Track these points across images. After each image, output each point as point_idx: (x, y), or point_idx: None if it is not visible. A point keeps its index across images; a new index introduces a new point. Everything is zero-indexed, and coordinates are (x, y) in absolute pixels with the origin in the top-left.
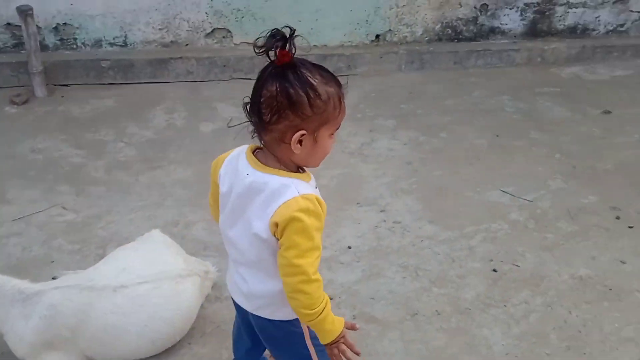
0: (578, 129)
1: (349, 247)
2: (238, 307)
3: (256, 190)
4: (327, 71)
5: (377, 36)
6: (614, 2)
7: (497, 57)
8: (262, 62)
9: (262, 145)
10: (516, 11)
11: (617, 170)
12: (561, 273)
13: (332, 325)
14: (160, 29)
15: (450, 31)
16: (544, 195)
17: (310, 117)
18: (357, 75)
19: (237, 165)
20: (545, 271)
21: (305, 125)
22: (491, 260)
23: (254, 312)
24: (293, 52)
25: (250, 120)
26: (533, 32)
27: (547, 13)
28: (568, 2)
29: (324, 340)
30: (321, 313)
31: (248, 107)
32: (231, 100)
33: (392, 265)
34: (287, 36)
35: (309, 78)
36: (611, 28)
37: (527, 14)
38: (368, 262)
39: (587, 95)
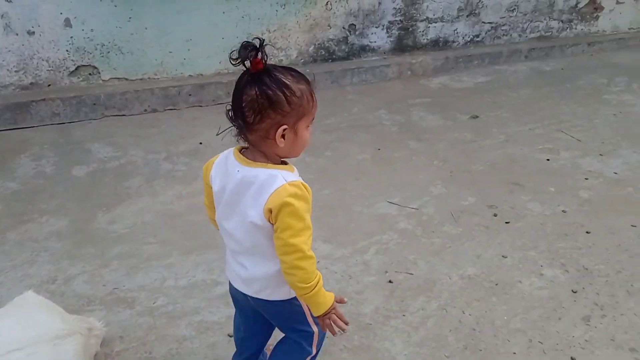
0: (451, 135)
1: None
2: (236, 300)
3: (247, 183)
4: (296, 71)
5: None
6: (467, 15)
7: (371, 73)
8: (137, 97)
9: (247, 145)
10: (382, 29)
11: (489, 170)
12: (451, 275)
13: (324, 298)
14: (16, 71)
15: (323, 52)
16: (428, 201)
17: (289, 113)
18: None
19: (227, 165)
20: (437, 275)
21: (285, 120)
22: (386, 272)
23: (255, 296)
24: (265, 59)
25: (233, 125)
26: (400, 47)
27: (410, 29)
28: (428, 17)
29: (317, 312)
30: (315, 287)
31: (231, 113)
32: (106, 139)
33: None
34: (258, 46)
35: (282, 79)
36: (468, 39)
37: (393, 31)
38: None
39: (456, 103)
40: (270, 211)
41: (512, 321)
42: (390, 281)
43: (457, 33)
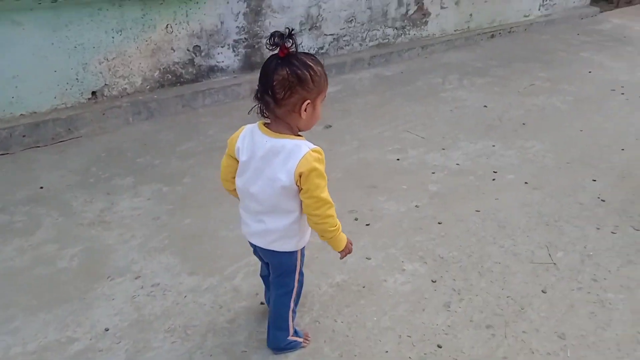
0: None
1: (107, 330)
2: (255, 251)
3: (275, 152)
4: (314, 55)
5: (94, 93)
6: (310, 29)
7: (223, 93)
8: None
9: (269, 120)
10: (228, 48)
11: (347, 176)
12: (321, 285)
13: (342, 235)
14: None
15: (170, 76)
16: None
17: (312, 90)
18: (81, 137)
19: (254, 138)
20: (307, 288)
21: (309, 96)
22: (257, 294)
23: (268, 247)
24: (293, 46)
25: (261, 102)
26: (249, 65)
27: (256, 46)
28: None
29: (338, 248)
30: (339, 227)
31: (258, 93)
32: None
33: (158, 334)
34: (287, 35)
35: (307, 61)
36: (314, 51)
37: (240, 50)
38: (131, 339)
39: None
40: (300, 175)
41: (382, 320)
42: (262, 303)
43: (302, 47)
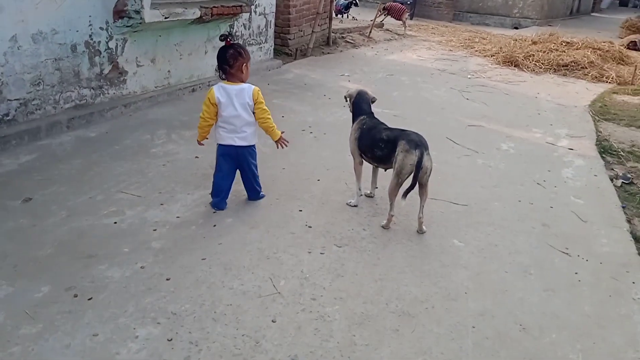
0: (5, 227)
1: None
2: (228, 155)
3: (241, 90)
4: (239, 43)
5: None
6: None
7: None
8: None
9: (226, 79)
10: None
11: (60, 250)
12: None
13: (277, 130)
14: None
15: None
16: None
17: (245, 58)
18: None
19: (225, 89)
20: None
21: (244, 61)
22: None
23: (248, 144)
24: (232, 40)
25: (221, 70)
26: None
27: None
28: None
29: (276, 136)
30: (274, 125)
31: (220, 65)
32: None
33: None
34: (228, 35)
35: (240, 44)
36: None
37: None
38: None
39: (2, 189)
40: (254, 98)
41: None
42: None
43: None
